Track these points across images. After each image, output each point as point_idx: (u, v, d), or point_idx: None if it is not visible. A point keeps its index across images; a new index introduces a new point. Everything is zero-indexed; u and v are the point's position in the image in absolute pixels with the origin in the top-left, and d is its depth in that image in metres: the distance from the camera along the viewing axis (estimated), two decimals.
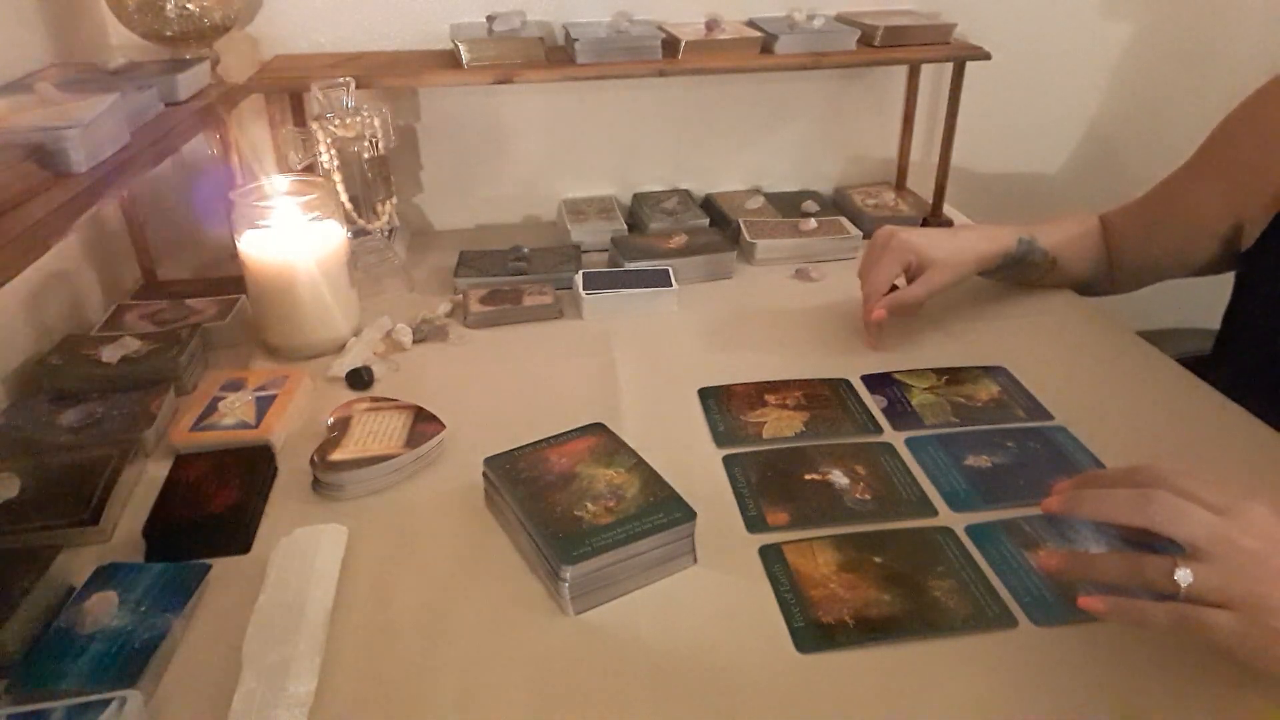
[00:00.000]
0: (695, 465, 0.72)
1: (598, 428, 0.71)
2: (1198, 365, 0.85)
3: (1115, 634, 0.56)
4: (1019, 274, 0.96)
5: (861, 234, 1.12)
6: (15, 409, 0.77)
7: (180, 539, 0.64)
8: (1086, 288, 1.00)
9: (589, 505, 0.62)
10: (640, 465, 0.66)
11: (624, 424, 0.77)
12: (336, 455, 0.70)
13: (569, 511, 0.61)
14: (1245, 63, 1.23)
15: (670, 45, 1.10)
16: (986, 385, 0.83)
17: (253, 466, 0.71)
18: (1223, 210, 0.85)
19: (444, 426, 0.75)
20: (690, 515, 0.61)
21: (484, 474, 0.68)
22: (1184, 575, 0.47)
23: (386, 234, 1.07)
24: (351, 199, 1.02)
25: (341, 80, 0.99)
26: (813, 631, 0.56)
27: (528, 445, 0.69)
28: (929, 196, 1.21)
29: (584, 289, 0.97)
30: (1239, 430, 0.76)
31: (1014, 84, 1.30)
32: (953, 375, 0.85)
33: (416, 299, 1.01)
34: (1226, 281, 0.89)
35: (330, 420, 0.75)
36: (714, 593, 0.60)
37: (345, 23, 1.13)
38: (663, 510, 0.60)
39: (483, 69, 1.06)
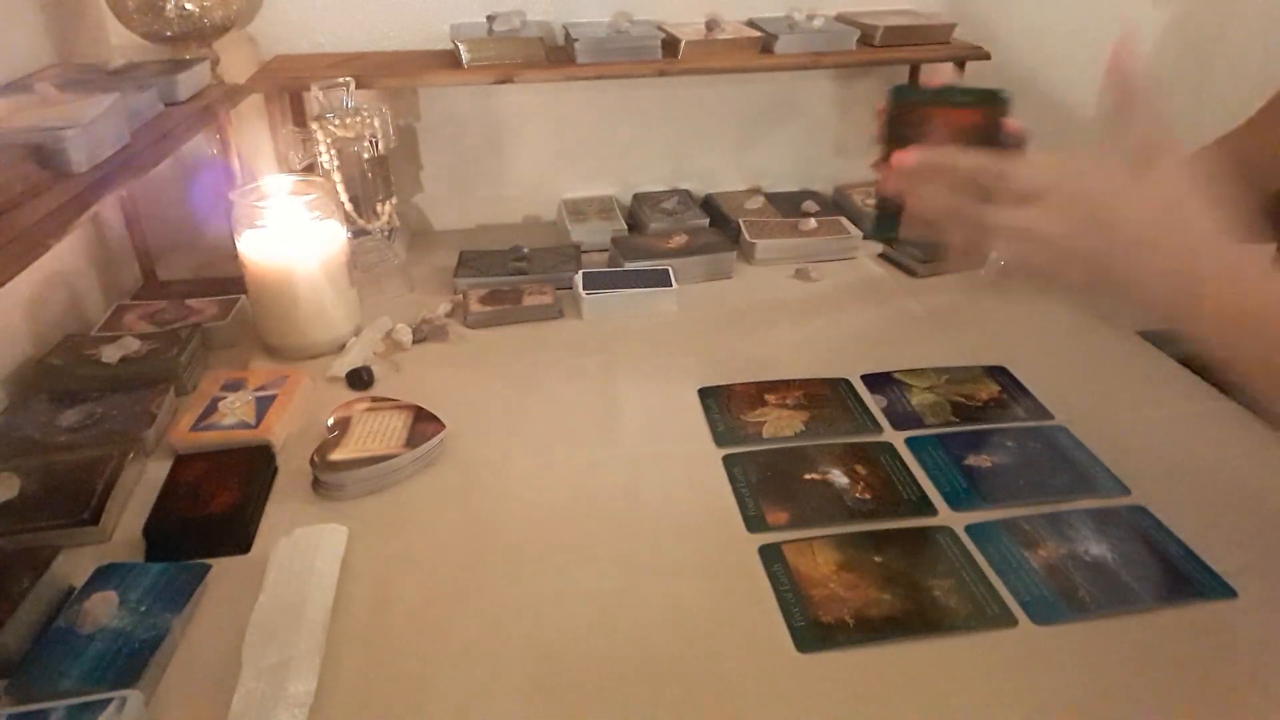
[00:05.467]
0: (695, 465, 0.72)
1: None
2: (1198, 365, 0.85)
3: (1115, 633, 0.56)
4: None
5: (861, 234, 1.12)
6: (15, 409, 0.77)
7: (180, 539, 0.64)
8: None
9: None
10: None
11: (624, 424, 0.78)
12: (336, 455, 0.70)
13: None
14: (1245, 62, 1.24)
15: (670, 45, 1.10)
16: (986, 385, 0.83)
17: (253, 466, 0.71)
18: None
19: (444, 426, 0.75)
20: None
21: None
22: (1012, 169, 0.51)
23: (386, 234, 1.07)
24: (351, 199, 1.02)
25: (341, 80, 0.99)
26: (813, 631, 0.56)
27: None
28: None
29: (584, 289, 0.97)
30: (1240, 429, 0.76)
31: (1014, 84, 1.30)
32: (953, 375, 0.85)
33: (416, 299, 1.01)
34: None
35: (330, 420, 0.75)
36: (714, 593, 0.60)
37: (345, 23, 1.13)
38: None
39: (483, 69, 1.06)
